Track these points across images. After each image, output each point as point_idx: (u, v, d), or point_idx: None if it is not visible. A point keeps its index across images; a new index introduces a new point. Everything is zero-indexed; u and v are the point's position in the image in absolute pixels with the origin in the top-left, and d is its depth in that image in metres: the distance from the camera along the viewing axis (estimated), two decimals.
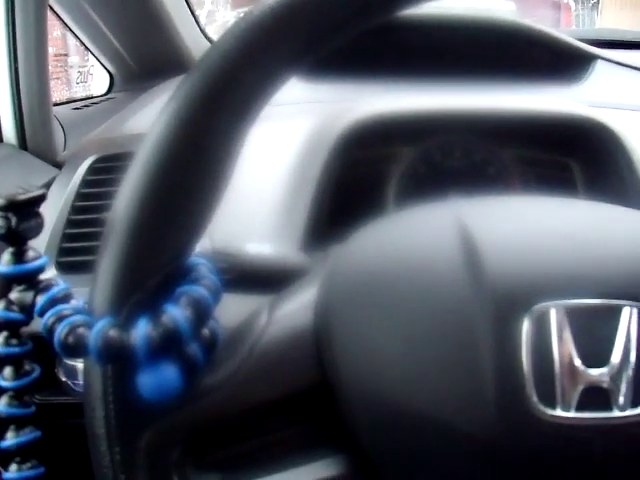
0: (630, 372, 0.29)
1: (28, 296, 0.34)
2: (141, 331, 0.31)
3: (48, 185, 0.71)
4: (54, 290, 0.34)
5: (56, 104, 0.98)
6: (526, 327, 0.29)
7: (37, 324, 0.34)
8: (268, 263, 0.42)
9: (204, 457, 0.35)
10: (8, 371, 0.37)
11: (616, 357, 0.29)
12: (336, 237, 0.38)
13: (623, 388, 0.29)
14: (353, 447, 0.34)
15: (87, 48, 1.02)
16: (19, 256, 0.35)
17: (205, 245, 0.37)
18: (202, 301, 0.32)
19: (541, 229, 0.33)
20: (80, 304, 0.33)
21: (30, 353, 0.37)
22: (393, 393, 0.31)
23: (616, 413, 0.29)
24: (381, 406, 0.32)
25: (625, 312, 0.29)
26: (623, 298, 0.30)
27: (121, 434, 0.33)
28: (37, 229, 0.35)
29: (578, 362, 0.29)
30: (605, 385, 0.29)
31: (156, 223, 0.32)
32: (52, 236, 0.65)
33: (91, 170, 0.70)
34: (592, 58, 0.83)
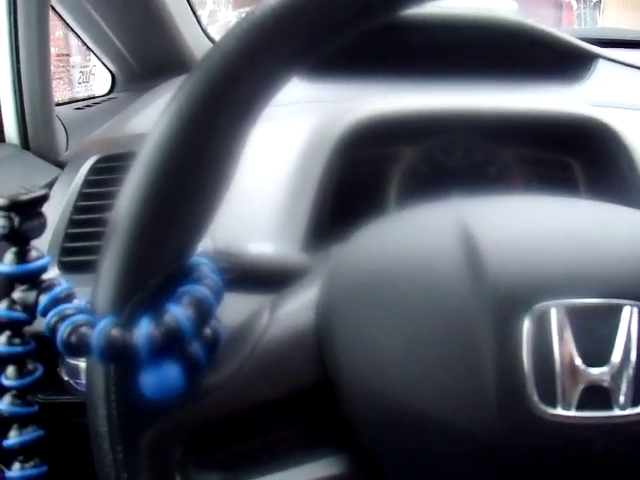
0: (631, 371, 0.29)
1: (31, 295, 0.35)
2: (143, 330, 0.31)
3: (50, 185, 0.72)
4: (57, 290, 0.34)
5: (58, 104, 0.98)
6: (527, 326, 0.29)
7: (40, 324, 0.34)
8: (270, 263, 0.42)
9: (206, 456, 0.35)
10: (11, 370, 0.37)
11: (617, 356, 0.29)
12: (338, 237, 0.38)
13: (624, 387, 0.29)
14: (354, 446, 0.34)
15: (89, 48, 1.02)
16: (22, 256, 0.35)
17: (207, 245, 0.37)
18: (204, 300, 0.32)
19: (542, 228, 0.33)
20: (82, 303, 0.33)
21: (33, 352, 0.37)
22: (394, 392, 0.32)
23: (617, 412, 0.29)
24: (382, 405, 0.32)
25: (626, 311, 0.30)
26: (623, 297, 0.30)
27: (123, 433, 0.33)
28: (40, 229, 0.36)
29: (579, 361, 0.29)
30: (606, 384, 0.29)
31: (158, 223, 0.32)
32: (54, 236, 0.65)
33: (93, 170, 0.70)
34: (594, 57, 0.83)
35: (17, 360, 0.37)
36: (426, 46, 0.78)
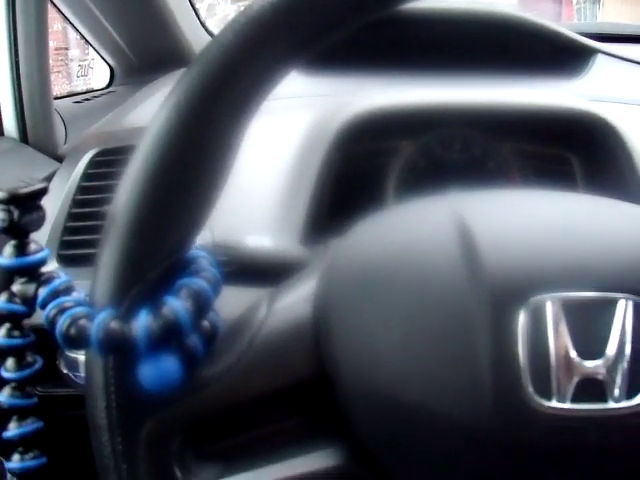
0: (625, 364, 0.29)
1: (30, 288, 0.35)
2: (142, 323, 0.31)
3: (49, 178, 0.72)
4: (56, 282, 0.34)
5: (57, 98, 0.98)
6: (522, 319, 0.30)
7: (39, 317, 0.34)
8: (268, 256, 0.42)
9: (204, 447, 0.35)
10: (10, 362, 0.37)
11: (611, 349, 0.29)
12: (336, 230, 0.38)
13: (618, 380, 0.29)
14: (351, 438, 0.34)
15: (87, 42, 1.02)
16: (21, 249, 0.35)
17: (205, 238, 0.37)
18: (202, 293, 0.32)
19: (538, 222, 0.33)
20: (81, 296, 0.34)
21: (32, 345, 0.37)
22: (391, 385, 0.32)
23: (611, 405, 0.29)
24: (379, 398, 0.32)
25: (620, 305, 0.30)
26: (618, 291, 0.30)
27: (122, 425, 0.33)
28: (39, 222, 0.36)
29: (574, 354, 0.29)
30: (600, 377, 0.29)
31: (157, 216, 0.32)
32: (53, 229, 0.65)
33: (92, 163, 0.70)
34: (592, 52, 0.82)
35: (16, 352, 0.37)
36: (425, 40, 0.78)
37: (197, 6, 1.05)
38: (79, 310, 0.32)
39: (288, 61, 0.33)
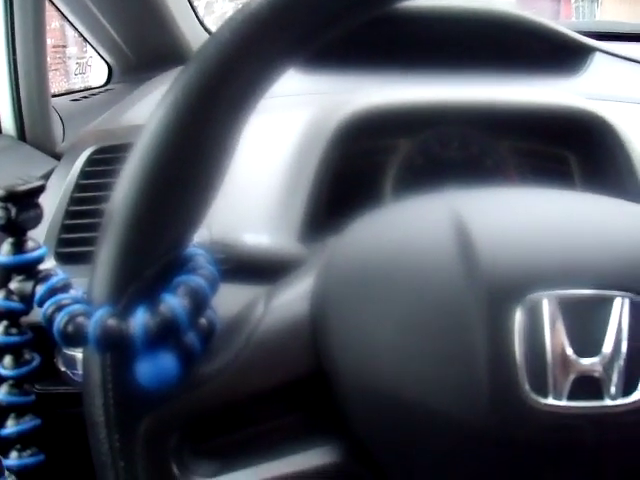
0: (621, 362, 0.29)
1: (28, 286, 0.35)
2: (139, 320, 0.31)
3: (47, 176, 0.71)
4: (53, 280, 0.34)
5: (54, 95, 0.98)
6: (519, 317, 0.30)
7: (37, 314, 0.34)
8: (265, 254, 0.42)
9: (202, 444, 0.35)
10: (8, 360, 0.37)
11: (608, 347, 0.30)
12: (334, 228, 0.38)
13: (614, 378, 0.29)
14: (349, 435, 0.34)
15: (85, 39, 1.02)
16: (19, 246, 0.35)
17: (203, 235, 0.37)
18: (199, 291, 0.32)
19: (535, 220, 0.33)
20: (79, 294, 0.34)
21: (30, 342, 0.37)
22: (388, 383, 0.32)
23: (607, 402, 0.29)
24: (376, 395, 0.32)
25: (617, 302, 0.30)
26: (615, 289, 0.30)
27: (120, 422, 0.33)
28: (36, 220, 0.36)
29: (570, 351, 0.29)
30: (597, 374, 0.29)
31: (154, 213, 0.32)
32: (51, 227, 0.65)
33: (90, 161, 0.70)
34: (590, 50, 0.82)
35: (14, 350, 0.37)
36: (423, 38, 0.78)
37: (195, 4, 1.05)
38: (77, 307, 0.32)
39: (285, 59, 0.33)
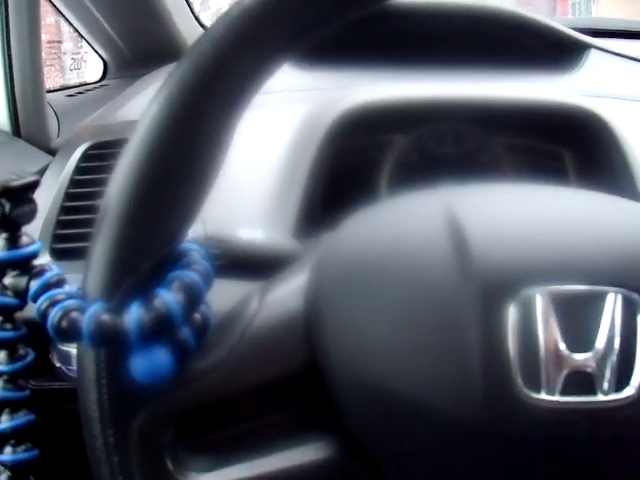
0: (614, 357, 0.30)
1: (22, 281, 0.35)
2: (133, 315, 0.31)
3: (42, 172, 0.71)
4: (47, 275, 0.34)
5: (49, 91, 0.98)
6: (512, 312, 0.30)
7: (31, 310, 0.34)
8: (260, 249, 0.42)
9: (196, 440, 0.35)
10: (2, 355, 0.37)
11: (600, 342, 0.30)
12: (329, 224, 0.38)
13: (607, 373, 0.30)
14: (343, 431, 0.34)
15: (80, 35, 1.02)
16: (13, 242, 0.35)
17: (198, 231, 0.37)
18: (194, 286, 0.32)
19: (529, 216, 0.33)
20: (73, 289, 0.34)
21: (24, 338, 0.37)
22: (382, 378, 0.32)
23: (600, 397, 0.30)
24: (370, 391, 0.32)
25: (610, 298, 0.30)
26: (608, 284, 0.30)
27: (114, 417, 0.33)
28: (30, 215, 0.36)
29: (563, 347, 0.29)
30: (590, 370, 0.30)
31: (148, 209, 0.32)
32: (46, 223, 0.65)
33: (85, 157, 0.70)
34: (586, 47, 0.83)
35: (8, 345, 0.37)
36: (418, 34, 0.78)
37: None
38: (71, 303, 0.32)
39: (280, 54, 0.33)
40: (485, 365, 0.30)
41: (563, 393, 0.29)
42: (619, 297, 0.30)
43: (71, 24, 1.00)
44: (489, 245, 0.31)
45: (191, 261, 0.33)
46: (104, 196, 0.33)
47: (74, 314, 0.31)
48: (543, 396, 0.30)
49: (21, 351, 0.37)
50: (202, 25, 1.05)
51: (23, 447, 0.38)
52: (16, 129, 0.81)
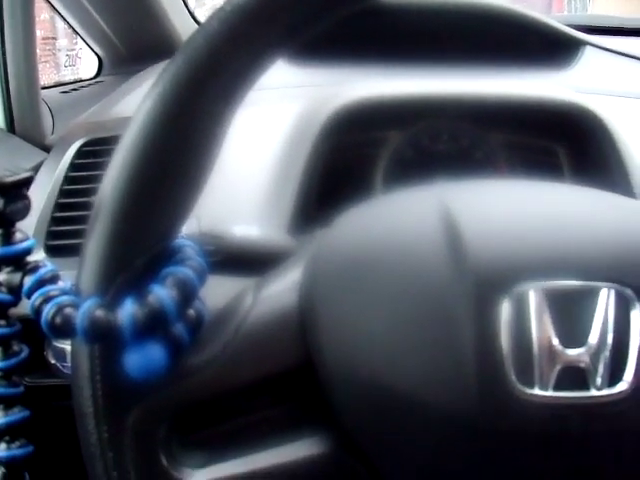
0: (607, 353, 0.30)
1: (16, 277, 0.35)
2: (127, 311, 0.31)
3: (36, 169, 0.71)
4: (41, 271, 0.34)
5: (44, 87, 0.97)
6: (506, 308, 0.30)
7: (26, 306, 0.34)
8: (254, 245, 0.42)
9: (190, 435, 0.35)
10: None
11: (594, 338, 0.30)
12: (324, 220, 0.38)
13: (600, 368, 0.30)
14: (337, 426, 0.34)
15: (75, 31, 1.01)
16: (7, 238, 0.35)
17: (192, 227, 0.37)
18: (188, 282, 0.32)
19: (523, 212, 0.33)
20: (67, 285, 0.34)
21: (18, 334, 0.37)
22: (376, 374, 0.32)
23: (593, 392, 0.30)
24: (364, 387, 0.32)
25: (603, 294, 0.30)
26: (601, 280, 0.30)
27: (108, 413, 0.33)
28: (24, 211, 0.36)
29: (556, 342, 0.30)
30: (583, 365, 0.30)
31: (142, 204, 0.32)
32: (40, 220, 0.65)
33: (79, 153, 0.70)
34: (581, 44, 0.83)
35: (2, 341, 0.37)
36: (414, 30, 0.78)
37: None
38: (65, 299, 0.32)
39: (274, 50, 0.33)
40: (479, 361, 0.30)
41: (556, 388, 0.30)
42: (612, 292, 0.30)
43: (66, 20, 1.00)
44: (483, 241, 0.31)
45: (185, 257, 0.33)
46: (98, 192, 0.33)
47: (68, 310, 0.31)
48: (536, 391, 0.30)
49: (15, 347, 0.37)
50: (197, 22, 1.05)
51: (18, 443, 0.38)
52: (10, 125, 0.81)
